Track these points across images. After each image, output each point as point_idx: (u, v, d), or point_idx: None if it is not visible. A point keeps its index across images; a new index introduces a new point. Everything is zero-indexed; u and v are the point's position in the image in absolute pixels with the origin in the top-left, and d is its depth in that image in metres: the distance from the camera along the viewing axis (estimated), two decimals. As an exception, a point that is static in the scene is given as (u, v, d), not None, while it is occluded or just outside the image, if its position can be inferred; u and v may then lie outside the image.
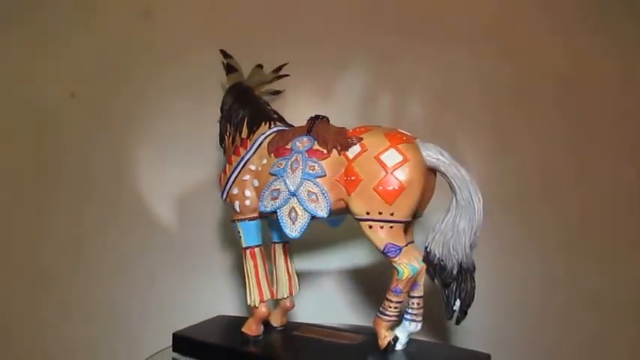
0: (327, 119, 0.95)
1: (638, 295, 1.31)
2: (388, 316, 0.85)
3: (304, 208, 0.86)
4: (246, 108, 1.03)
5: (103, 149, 1.34)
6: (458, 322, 0.88)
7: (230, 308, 1.28)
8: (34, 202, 1.33)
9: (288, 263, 1.04)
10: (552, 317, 1.32)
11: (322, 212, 0.85)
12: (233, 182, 0.97)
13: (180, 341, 1.01)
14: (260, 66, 1.11)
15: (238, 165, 0.97)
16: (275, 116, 1.02)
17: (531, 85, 1.34)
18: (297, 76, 1.17)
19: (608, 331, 1.31)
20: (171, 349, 1.01)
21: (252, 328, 0.98)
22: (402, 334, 0.89)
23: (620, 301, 1.31)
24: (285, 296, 1.03)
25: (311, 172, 0.86)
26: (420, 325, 0.89)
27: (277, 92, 1.17)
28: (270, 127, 0.99)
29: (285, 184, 0.87)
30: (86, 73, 1.34)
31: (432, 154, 0.84)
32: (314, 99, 1.33)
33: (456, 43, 1.29)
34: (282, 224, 0.88)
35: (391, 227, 0.82)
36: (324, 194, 0.85)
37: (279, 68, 1.14)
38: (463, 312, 0.87)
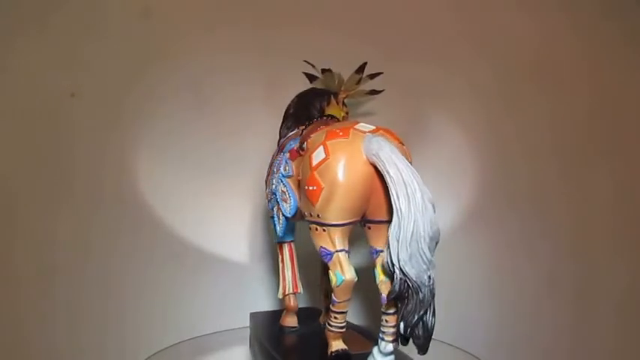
0: (331, 118, 0.92)
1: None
2: (331, 326, 0.79)
3: (280, 208, 0.89)
4: (291, 112, 1.08)
5: (103, 149, 1.33)
6: (419, 352, 0.73)
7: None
8: (39, 204, 1.32)
9: None
10: (558, 318, 1.31)
11: (288, 212, 0.86)
12: (266, 182, 1.05)
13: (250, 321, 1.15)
14: (327, 70, 1.10)
15: (270, 166, 1.05)
16: (316, 120, 1.04)
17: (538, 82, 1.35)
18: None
19: (626, 334, 1.29)
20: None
21: (284, 320, 1.05)
22: (378, 354, 0.80)
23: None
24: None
25: (284, 172, 0.88)
26: (390, 346, 0.78)
27: (375, 92, 1.13)
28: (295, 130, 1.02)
29: (272, 184, 0.92)
30: (86, 74, 1.33)
31: (372, 149, 0.73)
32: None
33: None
34: (274, 223, 0.93)
35: (324, 230, 0.76)
36: (290, 194, 0.86)
37: (361, 68, 1.09)
38: (417, 340, 0.71)
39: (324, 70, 1.11)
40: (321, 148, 0.76)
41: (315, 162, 0.76)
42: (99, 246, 1.30)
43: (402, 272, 0.70)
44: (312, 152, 0.77)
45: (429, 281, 0.71)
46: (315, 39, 1.33)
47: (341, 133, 0.76)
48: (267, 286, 1.33)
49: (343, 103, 1.10)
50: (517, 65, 1.35)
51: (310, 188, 0.76)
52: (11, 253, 1.28)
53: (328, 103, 1.07)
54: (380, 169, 0.72)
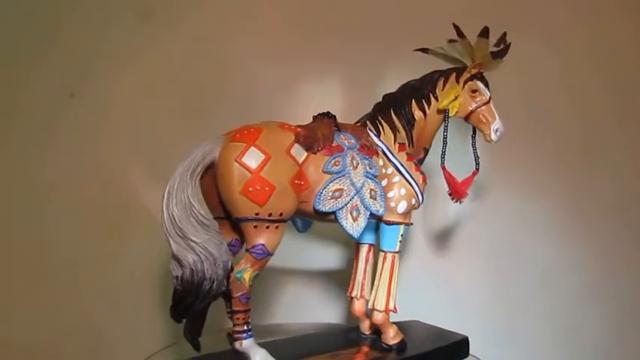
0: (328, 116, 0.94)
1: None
2: None
3: None
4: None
5: (98, 149, 1.35)
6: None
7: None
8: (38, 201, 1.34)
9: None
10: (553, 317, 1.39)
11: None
12: None
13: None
14: (425, 49, 0.98)
15: None
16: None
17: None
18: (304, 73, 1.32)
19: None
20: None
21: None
22: None
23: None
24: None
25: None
26: (236, 345, 0.85)
27: (499, 54, 0.94)
28: None
29: None
30: (86, 74, 1.34)
31: None
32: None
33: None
34: None
35: None
36: None
37: (486, 32, 0.93)
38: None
39: (423, 50, 0.97)
40: None
41: None
42: (99, 245, 1.33)
43: None
44: None
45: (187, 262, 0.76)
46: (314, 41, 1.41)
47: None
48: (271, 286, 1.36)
49: (475, 77, 0.95)
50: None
51: None
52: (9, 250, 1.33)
53: (444, 85, 0.95)
54: None
